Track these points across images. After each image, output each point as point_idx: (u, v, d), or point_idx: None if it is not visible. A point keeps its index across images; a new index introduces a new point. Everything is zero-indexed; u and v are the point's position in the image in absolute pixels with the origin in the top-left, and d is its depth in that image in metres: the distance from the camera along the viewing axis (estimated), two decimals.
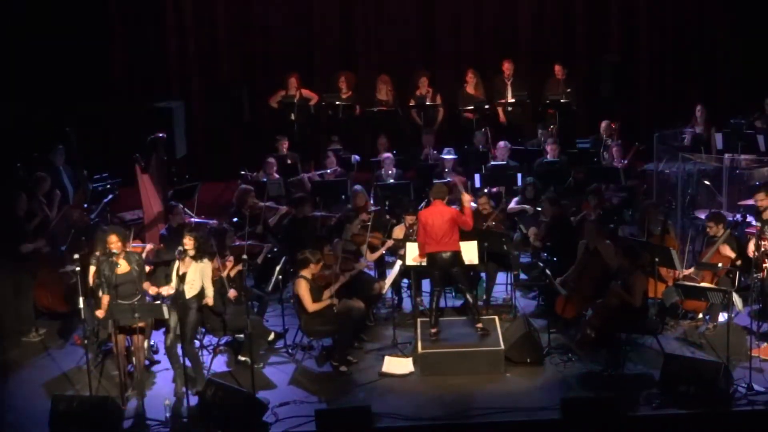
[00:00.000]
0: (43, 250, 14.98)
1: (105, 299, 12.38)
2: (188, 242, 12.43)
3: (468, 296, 13.75)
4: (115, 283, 12.27)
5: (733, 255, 13.66)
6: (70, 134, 17.17)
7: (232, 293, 13.47)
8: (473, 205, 16.22)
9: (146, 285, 12.60)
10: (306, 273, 13.43)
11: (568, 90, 20.41)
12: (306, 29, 22.28)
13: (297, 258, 13.62)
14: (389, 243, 15.21)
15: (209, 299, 12.72)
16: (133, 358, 12.80)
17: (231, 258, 13.85)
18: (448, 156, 18.54)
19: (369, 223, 15.17)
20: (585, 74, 22.16)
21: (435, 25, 22.42)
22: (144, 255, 13.50)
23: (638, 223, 15.26)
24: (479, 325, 13.60)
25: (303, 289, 13.33)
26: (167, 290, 12.51)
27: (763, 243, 12.80)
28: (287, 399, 12.52)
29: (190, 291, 12.47)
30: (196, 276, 12.50)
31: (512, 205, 16.78)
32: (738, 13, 22.03)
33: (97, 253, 12.67)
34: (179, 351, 12.52)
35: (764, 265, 12.90)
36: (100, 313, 12.48)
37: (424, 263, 13.89)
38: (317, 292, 13.42)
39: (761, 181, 16.46)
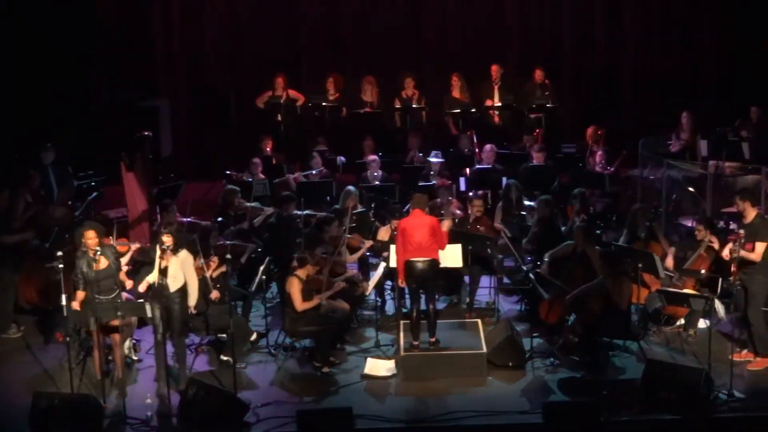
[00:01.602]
0: (30, 243, 14.97)
1: (80, 295, 12.36)
2: (168, 239, 12.38)
3: (431, 310, 13.49)
4: (95, 279, 12.26)
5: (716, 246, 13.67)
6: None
7: (214, 294, 13.45)
8: (458, 212, 16.28)
9: (122, 275, 12.57)
10: (300, 273, 13.42)
11: (546, 93, 20.46)
12: (294, 29, 22.28)
13: (296, 256, 13.59)
14: (368, 244, 15.21)
15: (192, 300, 12.70)
16: (111, 357, 12.77)
17: (215, 258, 13.82)
18: (436, 159, 18.53)
19: (347, 225, 15.16)
20: (571, 80, 22.22)
21: (423, 28, 22.44)
22: (130, 254, 13.48)
23: (627, 227, 15.26)
24: (432, 339, 13.45)
25: (295, 287, 13.31)
26: (143, 287, 12.49)
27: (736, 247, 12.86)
28: (269, 399, 12.49)
29: (173, 284, 12.45)
30: (178, 269, 12.48)
31: (499, 220, 16.73)
32: (724, 21, 22.10)
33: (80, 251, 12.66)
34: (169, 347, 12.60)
35: (734, 270, 12.94)
36: (75, 305, 12.43)
37: (403, 285, 13.77)
38: (307, 294, 13.41)
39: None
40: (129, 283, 12.60)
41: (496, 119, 20.83)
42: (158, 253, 12.44)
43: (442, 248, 13.57)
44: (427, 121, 20.81)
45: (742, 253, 12.75)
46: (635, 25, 22.46)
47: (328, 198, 17.83)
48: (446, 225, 13.98)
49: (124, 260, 13.31)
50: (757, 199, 13.45)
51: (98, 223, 12.95)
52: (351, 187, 16.73)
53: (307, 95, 20.69)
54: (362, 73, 21.23)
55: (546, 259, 14.46)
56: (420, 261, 13.29)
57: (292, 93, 20.56)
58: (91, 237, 12.30)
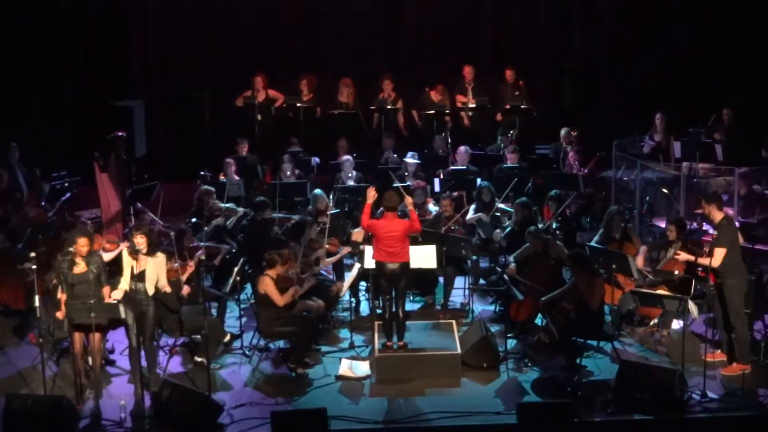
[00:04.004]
0: (0, 246, 14.89)
1: (63, 297, 12.30)
2: (141, 241, 12.31)
3: (400, 312, 13.43)
4: (71, 282, 12.20)
5: (692, 258, 13.69)
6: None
7: (185, 289, 13.39)
8: (434, 208, 16.28)
9: (105, 291, 12.43)
10: (271, 273, 13.39)
11: (516, 93, 20.50)
12: (269, 30, 22.24)
13: (264, 257, 13.54)
14: (346, 250, 15.17)
15: (166, 287, 12.65)
16: (89, 358, 12.72)
17: (191, 263, 13.74)
18: (412, 160, 18.52)
19: (327, 227, 15.14)
20: (546, 81, 22.27)
21: (399, 29, 22.45)
22: (117, 252, 13.38)
23: (603, 228, 15.31)
24: (400, 343, 13.43)
25: (270, 285, 13.26)
26: (119, 294, 12.41)
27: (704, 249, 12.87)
28: (243, 401, 12.49)
29: (151, 287, 12.42)
30: (154, 271, 12.46)
31: (470, 215, 16.77)
32: (698, 23, 22.19)
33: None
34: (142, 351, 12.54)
35: (706, 274, 12.92)
36: (60, 315, 12.36)
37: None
38: (281, 292, 13.39)
39: (719, 190, 16.59)
40: (112, 296, 12.49)
41: (466, 121, 20.86)
42: (127, 258, 12.37)
43: (418, 231, 13.56)
44: (404, 123, 20.82)
45: (700, 260, 12.78)
46: (610, 25, 22.52)
47: (301, 198, 17.78)
48: (409, 201, 13.79)
49: (108, 257, 13.22)
50: (722, 202, 13.45)
51: (88, 230, 12.89)
52: (318, 191, 16.69)
53: (285, 96, 20.65)
54: (337, 74, 21.19)
55: (511, 260, 14.50)
56: (391, 264, 13.28)
57: (272, 93, 20.54)
58: (83, 244, 12.26)
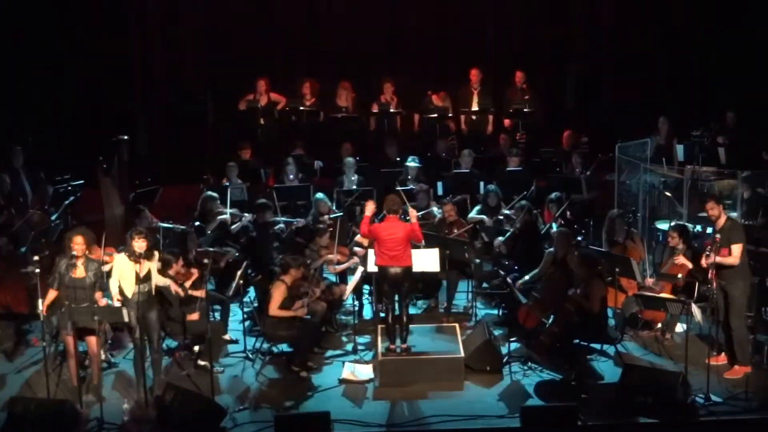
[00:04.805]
0: (3, 250, 14.88)
1: (52, 294, 12.29)
2: (143, 244, 12.28)
3: (404, 315, 13.42)
4: (71, 285, 12.21)
5: (690, 265, 13.72)
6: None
7: (194, 316, 13.40)
8: (437, 212, 16.27)
9: (98, 296, 12.45)
10: (286, 279, 13.40)
11: (526, 97, 20.47)
12: (271, 34, 22.22)
13: (279, 262, 13.52)
14: (354, 260, 15.10)
15: (176, 287, 12.69)
16: (87, 362, 12.71)
17: (194, 270, 13.71)
18: (413, 164, 18.51)
19: (337, 232, 15.08)
20: (549, 84, 22.24)
21: (400, 33, 22.42)
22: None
23: (605, 232, 15.30)
24: (404, 346, 13.44)
25: (279, 291, 13.31)
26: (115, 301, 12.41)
27: (711, 254, 12.84)
28: (246, 404, 12.49)
29: (155, 289, 12.48)
30: (155, 271, 12.50)
31: (472, 215, 16.77)
32: (701, 26, 22.17)
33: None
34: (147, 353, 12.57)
35: (711, 276, 12.91)
36: (42, 307, 12.27)
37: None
38: (290, 301, 13.38)
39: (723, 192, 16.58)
40: (102, 302, 12.49)
41: (463, 126, 20.85)
42: (127, 263, 12.35)
43: (419, 241, 13.55)
44: (402, 127, 20.80)
45: (719, 258, 12.75)
46: (613, 29, 22.49)
47: (301, 202, 17.77)
48: (413, 214, 13.79)
49: (107, 268, 13.21)
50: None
51: (88, 230, 12.87)
52: (320, 194, 16.68)
53: (287, 98, 20.63)
54: (340, 77, 21.16)
55: (526, 278, 14.45)
56: (394, 267, 13.27)
57: (274, 96, 20.50)
58: (78, 243, 12.25)
